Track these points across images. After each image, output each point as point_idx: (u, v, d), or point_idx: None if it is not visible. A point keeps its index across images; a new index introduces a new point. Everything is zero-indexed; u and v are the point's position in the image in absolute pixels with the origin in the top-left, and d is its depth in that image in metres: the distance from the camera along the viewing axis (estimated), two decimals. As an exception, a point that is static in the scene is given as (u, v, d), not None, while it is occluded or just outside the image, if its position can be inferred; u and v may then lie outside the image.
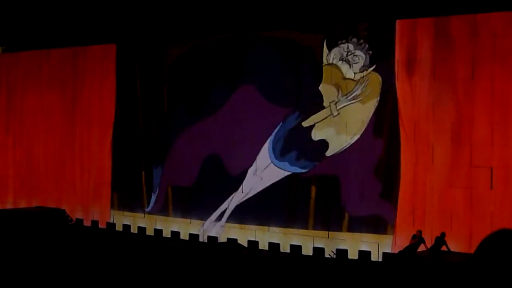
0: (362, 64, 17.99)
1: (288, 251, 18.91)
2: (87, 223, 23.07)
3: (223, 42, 20.52)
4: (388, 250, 17.15)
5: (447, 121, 16.71)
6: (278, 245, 19.13)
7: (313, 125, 18.72)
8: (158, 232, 21.44)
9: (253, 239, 19.58)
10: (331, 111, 18.45)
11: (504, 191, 16.00)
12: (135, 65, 22.28)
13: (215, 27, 20.39)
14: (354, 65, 18.10)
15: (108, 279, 15.14)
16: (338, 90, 18.33)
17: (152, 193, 21.72)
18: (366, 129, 17.91)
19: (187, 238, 20.72)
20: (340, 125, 18.31)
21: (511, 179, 15.98)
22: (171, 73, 21.58)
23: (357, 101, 18.01)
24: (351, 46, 18.19)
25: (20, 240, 19.29)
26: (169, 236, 21.15)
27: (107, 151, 22.87)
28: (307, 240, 18.67)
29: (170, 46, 21.59)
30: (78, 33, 23.03)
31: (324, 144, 18.58)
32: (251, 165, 19.77)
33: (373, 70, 17.81)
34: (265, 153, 19.58)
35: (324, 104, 18.56)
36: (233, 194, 20.05)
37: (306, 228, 18.75)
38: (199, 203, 20.68)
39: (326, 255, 18.24)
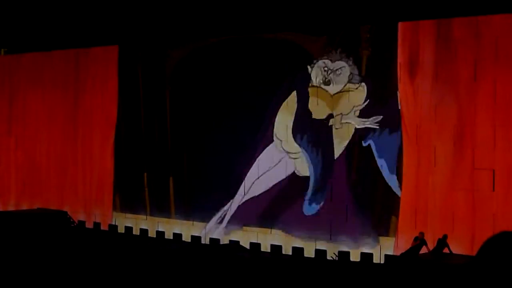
0: (349, 73, 18.17)
1: (290, 253, 18.91)
2: (89, 225, 23.07)
3: (226, 44, 20.54)
4: (390, 252, 17.13)
5: (449, 123, 16.69)
6: (280, 247, 19.13)
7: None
8: (160, 234, 21.44)
9: (255, 241, 19.59)
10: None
11: (506, 193, 15.97)
12: (137, 67, 22.28)
13: (217, 29, 20.40)
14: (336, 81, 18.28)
15: (110, 281, 15.14)
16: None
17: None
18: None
19: (189, 240, 20.73)
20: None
21: (513, 181, 15.99)
22: (174, 75, 21.58)
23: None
24: (328, 63, 18.38)
25: (22, 242, 19.29)
26: (171, 238, 21.15)
27: (109, 153, 22.86)
28: (309, 242, 18.67)
29: (172, 48, 21.60)
30: (80, 35, 23.06)
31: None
32: (252, 167, 19.79)
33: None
34: (266, 155, 19.60)
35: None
36: (235, 196, 20.05)
37: (307, 230, 18.74)
38: (202, 205, 20.67)
39: (328, 257, 18.22)
